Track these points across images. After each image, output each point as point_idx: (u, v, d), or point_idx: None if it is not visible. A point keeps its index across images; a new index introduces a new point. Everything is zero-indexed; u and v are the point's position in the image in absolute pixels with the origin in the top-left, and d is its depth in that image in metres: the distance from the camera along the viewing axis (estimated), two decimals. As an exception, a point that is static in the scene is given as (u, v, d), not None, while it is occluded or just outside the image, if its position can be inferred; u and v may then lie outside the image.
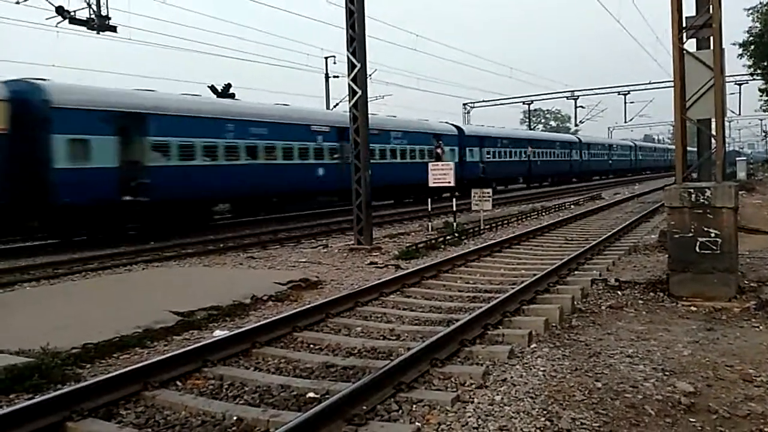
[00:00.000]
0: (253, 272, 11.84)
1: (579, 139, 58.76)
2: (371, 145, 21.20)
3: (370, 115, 15.02)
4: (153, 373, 5.39)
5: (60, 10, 19.81)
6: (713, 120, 9.09)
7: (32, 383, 5.39)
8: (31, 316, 8.06)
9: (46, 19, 20.26)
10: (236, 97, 27.97)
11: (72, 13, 19.92)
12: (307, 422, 4.13)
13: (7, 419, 4.35)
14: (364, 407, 4.61)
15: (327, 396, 4.91)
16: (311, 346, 6.77)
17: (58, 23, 20.15)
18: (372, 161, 16.05)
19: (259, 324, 7.06)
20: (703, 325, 6.95)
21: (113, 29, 20.65)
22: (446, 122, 38.71)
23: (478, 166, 37.89)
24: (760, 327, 6.85)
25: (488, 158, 39.75)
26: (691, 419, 4.42)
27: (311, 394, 5.13)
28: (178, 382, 5.53)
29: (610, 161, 65.31)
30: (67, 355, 6.11)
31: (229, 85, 37.68)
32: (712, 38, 8.69)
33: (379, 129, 27.85)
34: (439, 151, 31.46)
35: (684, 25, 8.76)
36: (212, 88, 36.71)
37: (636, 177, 64.78)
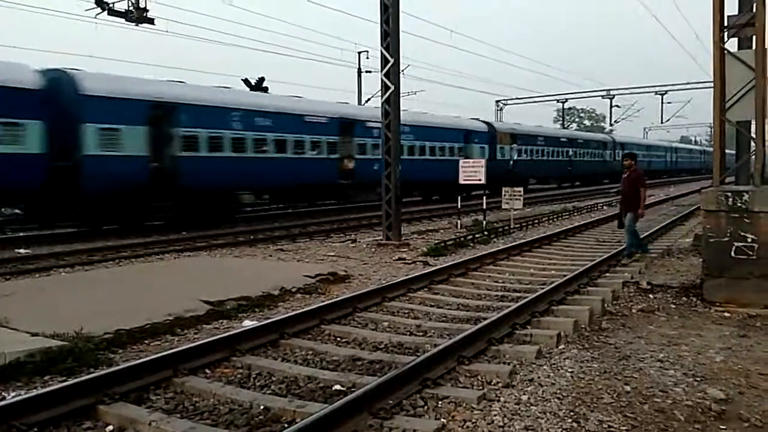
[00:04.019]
0: (283, 264, 11.94)
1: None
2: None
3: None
4: (183, 361, 5.48)
5: (99, 2, 20.16)
6: (753, 122, 8.90)
7: (66, 366, 5.53)
8: (66, 300, 8.24)
9: (86, 10, 20.67)
10: (269, 91, 28.44)
11: (111, 5, 20.26)
12: (333, 414, 4.16)
13: (43, 399, 4.47)
14: (390, 401, 4.62)
15: (353, 389, 4.94)
16: (338, 339, 6.81)
17: (97, 14, 20.51)
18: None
19: (287, 315, 7.13)
20: (736, 332, 6.81)
21: (151, 21, 20.94)
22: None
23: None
24: (796, 335, 6.69)
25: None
26: (722, 426, 4.34)
27: (337, 387, 5.16)
28: (207, 370, 5.62)
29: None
30: (100, 340, 6.24)
31: (262, 79, 37.91)
32: (754, 38, 8.50)
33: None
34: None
35: (725, 24, 8.57)
36: (246, 81, 37.00)
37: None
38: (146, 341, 6.62)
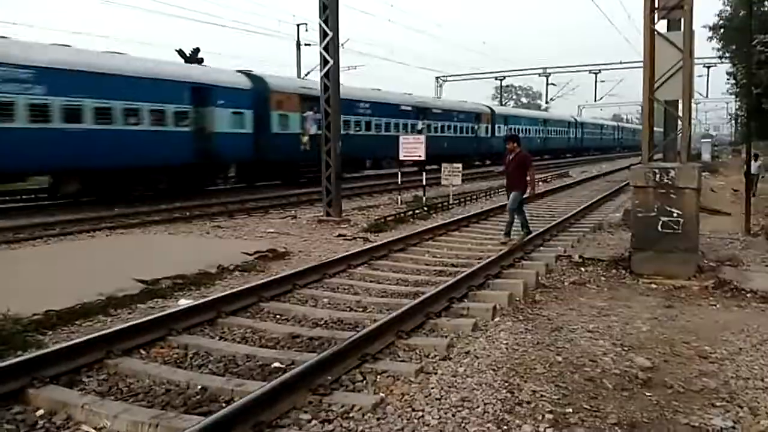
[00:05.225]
0: (220, 241, 11.74)
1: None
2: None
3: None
4: (116, 341, 5.34)
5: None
6: (680, 101, 9.23)
7: (-8, 349, 5.30)
8: (-9, 281, 7.88)
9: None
10: (205, 63, 27.21)
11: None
12: (271, 392, 4.15)
13: (-34, 385, 4.28)
14: (329, 377, 4.64)
15: (292, 366, 4.92)
16: (278, 316, 6.77)
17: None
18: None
19: (225, 293, 7.03)
20: (662, 303, 7.14)
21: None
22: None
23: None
24: (717, 305, 7.06)
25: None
26: (647, 393, 4.55)
27: (277, 364, 5.15)
28: (142, 351, 5.50)
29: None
30: (28, 322, 6.01)
31: (197, 50, 36.83)
32: (682, 20, 8.78)
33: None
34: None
35: (656, 5, 8.81)
36: (180, 52, 35.88)
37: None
38: (77, 322, 6.40)
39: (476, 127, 40.99)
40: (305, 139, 24.95)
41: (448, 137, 37.18)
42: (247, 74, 23.91)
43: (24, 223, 14.01)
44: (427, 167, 18.46)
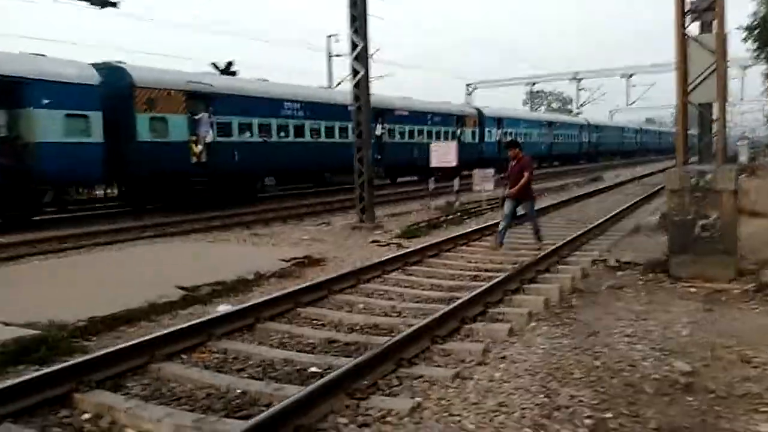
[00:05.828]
0: (257, 249, 11.91)
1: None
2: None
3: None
4: (159, 347, 5.48)
5: (60, -17, 19.53)
6: (714, 104, 9.09)
7: (40, 355, 5.47)
8: (39, 289, 8.14)
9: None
10: (238, 75, 27.53)
11: (72, -13, 19.62)
12: (309, 395, 4.21)
13: (16, 390, 4.44)
14: (366, 382, 4.69)
15: (329, 371, 4.98)
16: (314, 321, 6.85)
17: (56, -4, 19.78)
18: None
19: (262, 299, 7.16)
20: (701, 306, 7.01)
21: (114, 5, 20.39)
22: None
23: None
24: (759, 309, 6.91)
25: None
26: (688, 398, 4.49)
27: (314, 369, 5.22)
28: (184, 356, 5.63)
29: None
30: (74, 328, 6.20)
31: (231, 63, 37.53)
32: (714, 22, 8.66)
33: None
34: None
35: (687, 8, 8.71)
36: (215, 66, 36.56)
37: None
38: (121, 328, 6.58)
39: (458, 131, 34.77)
40: (198, 148, 19.92)
41: (418, 144, 30.01)
42: (97, 65, 17.73)
43: (71, 232, 14.40)
44: (399, 179, 17.75)
